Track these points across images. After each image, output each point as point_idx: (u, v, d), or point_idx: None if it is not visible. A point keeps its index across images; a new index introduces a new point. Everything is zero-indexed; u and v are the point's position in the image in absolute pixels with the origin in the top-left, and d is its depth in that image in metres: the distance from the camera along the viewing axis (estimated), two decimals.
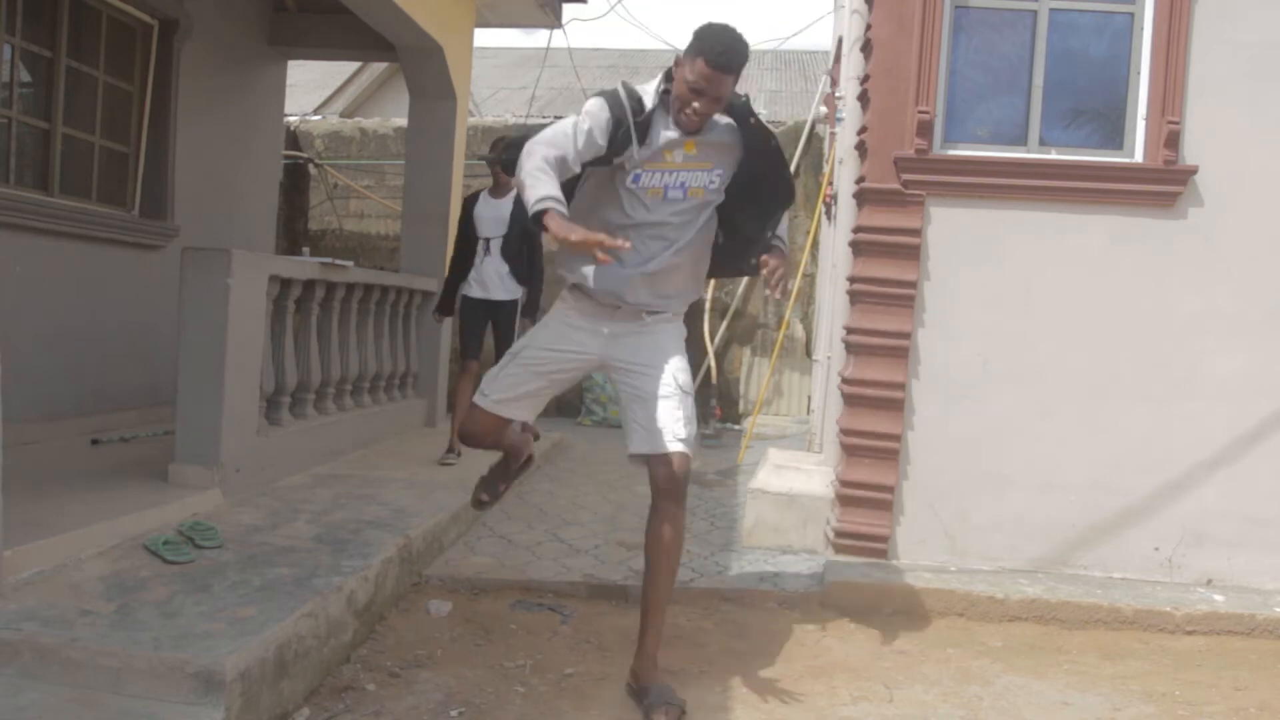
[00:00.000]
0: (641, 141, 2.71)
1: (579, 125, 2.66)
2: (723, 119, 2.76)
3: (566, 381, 2.99)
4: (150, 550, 3.13)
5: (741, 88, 2.91)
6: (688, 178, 2.77)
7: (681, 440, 2.71)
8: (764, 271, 2.76)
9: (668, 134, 2.74)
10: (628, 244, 2.55)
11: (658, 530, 2.70)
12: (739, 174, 2.81)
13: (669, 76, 2.74)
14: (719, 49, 2.61)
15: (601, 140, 2.67)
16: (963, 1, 3.93)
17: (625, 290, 2.77)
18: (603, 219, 2.76)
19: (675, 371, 2.79)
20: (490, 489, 3.28)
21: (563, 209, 2.51)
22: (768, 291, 2.82)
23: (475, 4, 6.74)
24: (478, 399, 2.95)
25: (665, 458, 2.70)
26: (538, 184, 2.54)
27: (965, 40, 3.96)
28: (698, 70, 2.61)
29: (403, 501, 4.12)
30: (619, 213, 2.77)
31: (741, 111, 2.78)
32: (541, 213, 2.48)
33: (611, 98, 2.71)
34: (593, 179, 2.84)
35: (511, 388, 2.89)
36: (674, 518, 2.70)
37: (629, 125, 2.69)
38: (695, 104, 2.65)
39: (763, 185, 2.84)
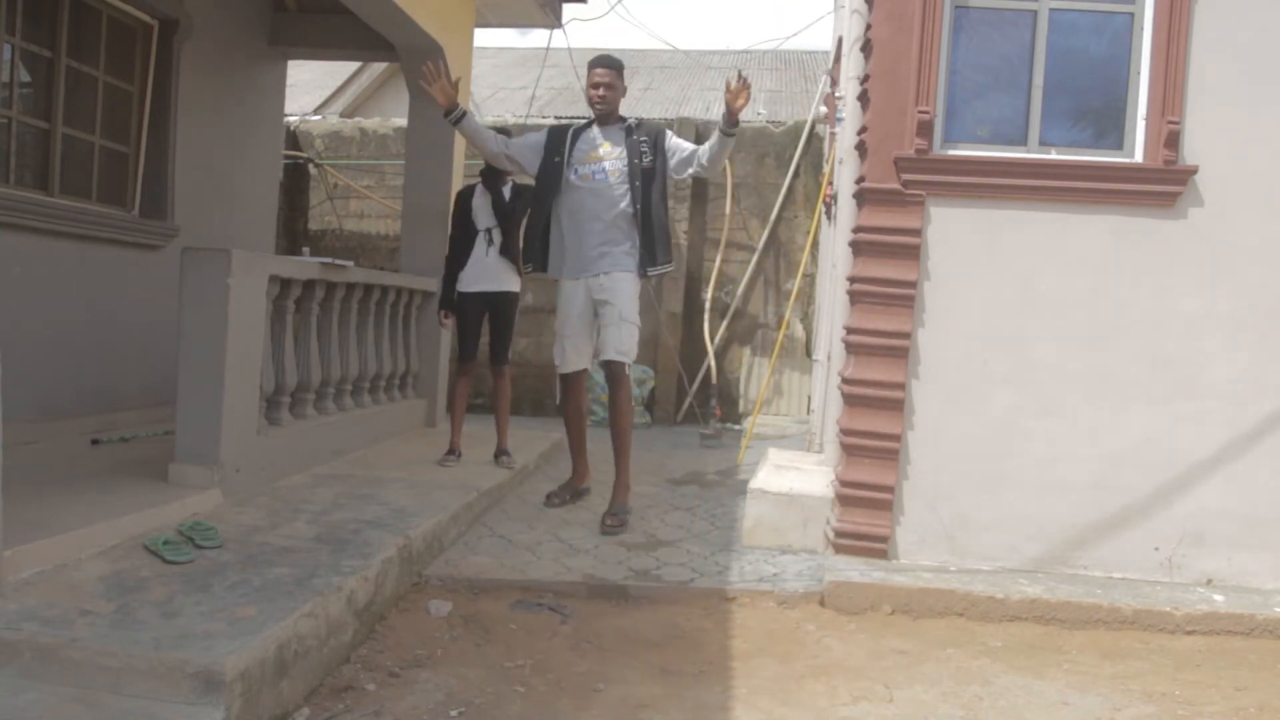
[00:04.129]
0: (574, 145, 4.43)
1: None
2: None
3: (590, 320, 4.46)
4: (150, 550, 3.13)
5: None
6: (610, 164, 4.37)
7: (620, 353, 4.34)
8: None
9: (589, 134, 4.45)
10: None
11: (612, 401, 4.47)
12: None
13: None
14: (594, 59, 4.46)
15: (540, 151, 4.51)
16: (963, 1, 3.93)
17: (568, 269, 4.48)
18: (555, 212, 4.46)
19: (622, 308, 4.33)
20: (560, 496, 4.76)
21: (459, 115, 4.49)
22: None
23: (475, 4, 6.73)
24: (561, 371, 4.57)
25: (608, 364, 4.38)
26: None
27: (965, 40, 3.96)
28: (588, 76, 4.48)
29: (403, 501, 4.12)
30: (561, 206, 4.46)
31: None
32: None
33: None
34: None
35: (568, 349, 4.49)
36: (618, 396, 4.43)
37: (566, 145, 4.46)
38: (591, 92, 4.43)
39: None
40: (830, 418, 4.41)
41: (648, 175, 4.31)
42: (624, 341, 4.33)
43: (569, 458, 4.88)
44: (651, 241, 4.34)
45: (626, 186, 4.31)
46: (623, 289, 4.35)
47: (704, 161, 4.27)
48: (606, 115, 4.40)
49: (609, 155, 4.35)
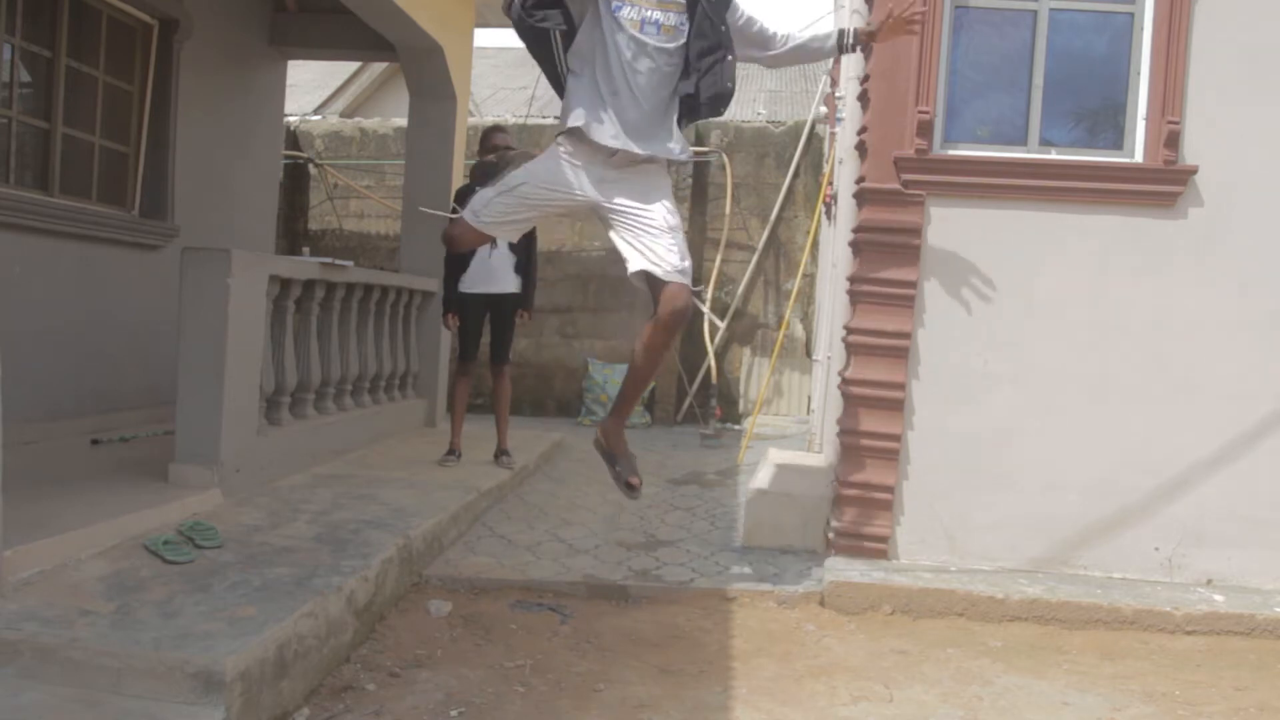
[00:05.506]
0: None
1: None
2: None
3: (553, 214, 3.36)
4: (150, 550, 3.13)
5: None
6: (660, 16, 3.02)
7: (681, 272, 2.97)
8: None
9: None
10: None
11: (651, 340, 3.00)
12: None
13: None
14: None
15: None
16: (963, 1, 3.93)
17: (619, 141, 3.01)
18: (593, 75, 3.04)
19: (665, 212, 3.04)
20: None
21: None
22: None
23: (475, 4, 6.74)
24: (468, 218, 3.25)
25: (669, 288, 2.94)
26: None
27: (965, 40, 3.96)
28: None
29: (403, 501, 4.12)
30: (604, 64, 3.02)
31: None
32: None
33: None
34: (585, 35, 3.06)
35: (502, 215, 3.20)
36: (665, 341, 3.04)
37: None
38: None
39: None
40: (830, 418, 4.41)
41: (711, 41, 3.06)
42: (686, 256, 3.04)
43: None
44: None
45: (680, 59, 3.05)
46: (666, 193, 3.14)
47: (776, 51, 3.31)
48: None
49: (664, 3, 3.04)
